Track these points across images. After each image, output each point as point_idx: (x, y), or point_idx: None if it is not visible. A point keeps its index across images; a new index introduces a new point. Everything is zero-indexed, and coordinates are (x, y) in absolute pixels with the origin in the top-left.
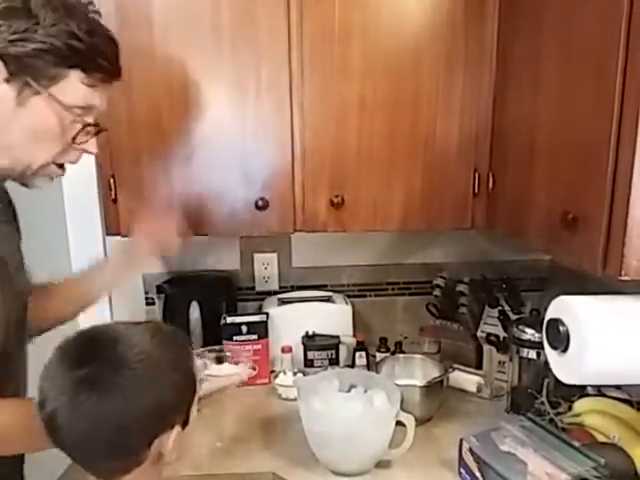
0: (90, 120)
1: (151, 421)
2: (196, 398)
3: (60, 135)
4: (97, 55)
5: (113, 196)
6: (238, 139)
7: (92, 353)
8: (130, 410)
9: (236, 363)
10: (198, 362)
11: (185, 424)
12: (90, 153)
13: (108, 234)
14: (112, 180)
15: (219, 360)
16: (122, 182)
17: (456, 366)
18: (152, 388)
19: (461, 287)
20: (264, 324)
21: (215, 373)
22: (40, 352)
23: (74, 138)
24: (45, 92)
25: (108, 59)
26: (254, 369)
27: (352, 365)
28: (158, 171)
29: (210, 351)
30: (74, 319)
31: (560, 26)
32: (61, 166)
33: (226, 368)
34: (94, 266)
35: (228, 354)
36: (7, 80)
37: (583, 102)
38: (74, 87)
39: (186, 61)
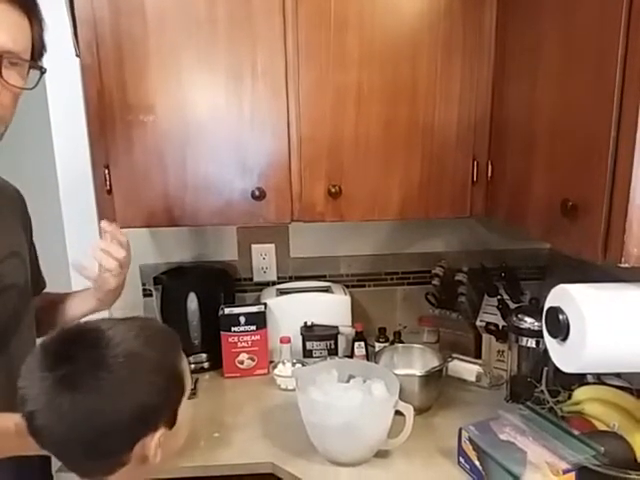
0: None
1: (131, 424)
2: (185, 398)
3: None
4: None
5: (108, 187)
6: (234, 129)
7: (72, 352)
8: (108, 412)
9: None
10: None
11: (172, 424)
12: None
13: None
14: (107, 171)
15: None
16: (117, 173)
17: (455, 355)
18: (131, 390)
19: (460, 276)
20: (262, 315)
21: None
22: None
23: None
24: None
25: None
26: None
27: (351, 355)
28: (153, 161)
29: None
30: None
31: (559, 12)
32: None
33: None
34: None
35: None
36: None
37: (583, 89)
38: None
39: (181, 49)
